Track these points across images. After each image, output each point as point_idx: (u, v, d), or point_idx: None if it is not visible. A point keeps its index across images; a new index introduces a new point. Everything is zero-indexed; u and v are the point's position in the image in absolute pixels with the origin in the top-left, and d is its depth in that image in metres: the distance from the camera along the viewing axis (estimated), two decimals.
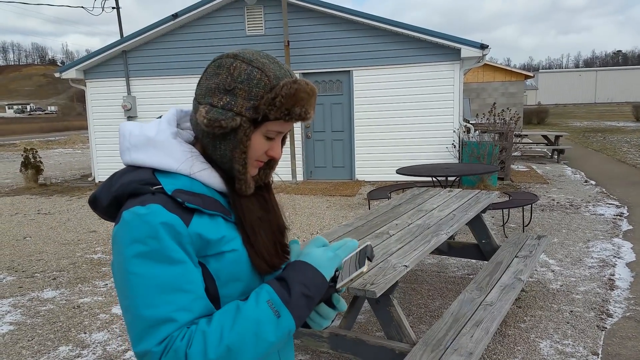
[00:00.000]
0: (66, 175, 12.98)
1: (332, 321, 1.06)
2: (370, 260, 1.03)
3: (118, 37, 12.58)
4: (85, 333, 3.77)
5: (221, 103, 0.96)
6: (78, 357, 3.41)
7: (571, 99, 60.92)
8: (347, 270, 1.01)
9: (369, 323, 3.76)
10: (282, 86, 0.95)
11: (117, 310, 4.18)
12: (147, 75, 11.09)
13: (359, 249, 1.03)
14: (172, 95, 10.89)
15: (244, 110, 0.96)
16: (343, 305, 1.02)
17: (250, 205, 1.04)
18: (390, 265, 2.71)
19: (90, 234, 6.79)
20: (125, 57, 11.10)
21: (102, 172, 11.56)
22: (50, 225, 7.36)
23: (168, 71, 10.93)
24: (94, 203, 1.03)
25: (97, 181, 11.60)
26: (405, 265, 2.71)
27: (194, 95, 1.03)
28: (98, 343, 3.60)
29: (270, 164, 1.09)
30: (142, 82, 11.16)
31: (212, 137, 0.99)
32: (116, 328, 3.83)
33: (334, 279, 1.01)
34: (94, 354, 3.45)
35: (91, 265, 5.41)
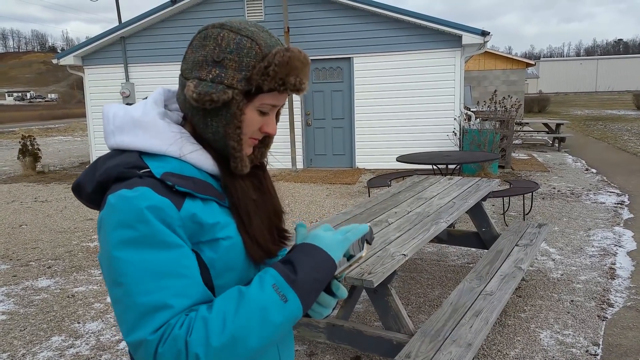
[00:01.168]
0: (65, 163, 12.91)
1: (333, 309, 1.00)
2: (369, 243, 0.98)
3: (117, 24, 12.41)
4: (79, 323, 3.72)
5: (210, 76, 0.89)
6: (71, 347, 3.37)
7: (572, 87, 60.56)
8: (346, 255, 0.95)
9: (367, 313, 3.71)
10: (274, 54, 0.88)
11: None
12: (146, 62, 10.97)
13: None
14: (170, 81, 10.77)
15: (235, 82, 0.89)
16: (343, 292, 0.96)
17: (245, 187, 0.97)
18: (389, 254, 2.65)
19: (87, 222, 6.74)
20: (123, 44, 10.98)
21: None
22: (47, 213, 7.31)
23: (167, 57, 10.80)
24: (77, 190, 0.96)
25: None
26: (404, 254, 2.65)
27: (179, 72, 0.95)
28: (92, 333, 3.56)
29: (265, 141, 1.01)
30: (140, 69, 11.05)
31: (202, 114, 0.91)
32: (110, 318, 3.79)
33: None
34: (87, 344, 3.41)
35: (87, 253, 5.36)
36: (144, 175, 0.86)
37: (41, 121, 34.93)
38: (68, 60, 11.18)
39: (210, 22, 0.94)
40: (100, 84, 11.32)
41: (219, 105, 0.89)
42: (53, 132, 24.47)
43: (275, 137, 10.96)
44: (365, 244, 0.97)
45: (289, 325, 0.83)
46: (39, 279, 4.65)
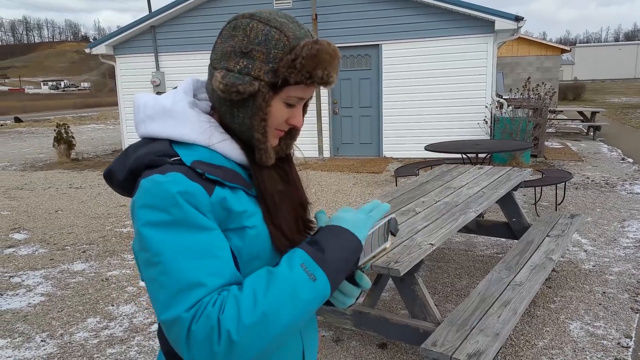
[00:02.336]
0: (98, 151, 13.24)
1: (357, 299, 1.01)
2: (394, 234, 0.97)
3: (148, 13, 12.55)
4: (112, 305, 3.84)
5: (238, 67, 0.90)
6: (105, 328, 3.49)
7: (610, 74, 58.53)
8: (370, 246, 0.95)
9: (394, 301, 3.72)
10: (302, 47, 0.88)
11: (144, 283, 4.24)
12: (176, 51, 11.10)
13: (382, 223, 0.97)
14: (200, 70, 10.88)
15: (262, 74, 0.89)
16: (367, 282, 0.97)
17: (271, 177, 0.98)
18: (416, 244, 2.64)
19: (120, 208, 6.92)
20: (153, 33, 11.13)
21: None
22: (81, 199, 7.53)
23: (196, 46, 10.91)
24: (109, 177, 0.98)
25: None
26: (431, 244, 2.64)
27: (209, 61, 0.97)
28: (125, 315, 3.67)
29: (292, 133, 1.02)
30: (170, 58, 11.19)
31: (229, 105, 0.93)
32: (143, 301, 3.90)
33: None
34: (120, 325, 3.52)
35: (120, 238, 5.52)
36: (175, 163, 0.88)
37: (75, 110, 35.86)
38: (100, 49, 11.41)
39: (239, 11, 0.95)
40: (132, 73, 11.52)
41: (245, 96, 0.90)
42: (86, 121, 25.11)
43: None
44: (389, 235, 0.97)
45: (318, 304, 0.84)
46: (75, 262, 4.81)
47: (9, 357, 3.13)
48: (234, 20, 0.93)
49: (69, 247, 5.27)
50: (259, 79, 0.89)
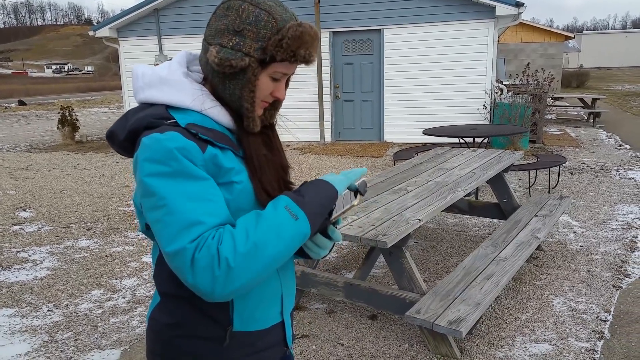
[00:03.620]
0: (102, 134, 13.37)
1: (330, 251, 1.14)
2: (362, 194, 1.11)
3: None
4: (116, 279, 4.00)
5: (230, 43, 1.02)
6: (109, 300, 3.65)
7: (617, 61, 58.05)
8: (342, 203, 1.08)
9: (385, 277, 3.86)
10: (288, 28, 1.01)
11: (147, 259, 4.41)
12: (179, 34, 11.16)
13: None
14: None
15: (252, 51, 1.02)
16: (338, 235, 1.10)
17: (257, 142, 1.11)
18: (404, 219, 2.77)
19: (124, 188, 7.07)
20: (157, 16, 11.18)
21: None
22: (85, 180, 7.68)
23: (199, 30, 10.96)
24: (111, 137, 1.11)
25: None
26: (419, 219, 2.76)
27: (203, 37, 1.09)
28: (128, 288, 3.83)
29: (275, 104, 1.15)
30: (173, 41, 11.25)
31: (221, 77, 1.05)
32: (145, 275, 4.06)
33: (329, 213, 1.09)
34: (123, 297, 3.68)
35: (124, 217, 5.67)
36: (171, 125, 1.01)
37: (78, 93, 35.94)
38: (104, 32, 11.46)
39: None
40: (135, 56, 11.59)
41: (236, 70, 1.03)
42: (90, 104, 25.22)
43: (304, 110, 10.96)
44: (358, 195, 1.10)
45: (299, 242, 0.98)
46: (79, 239, 4.97)
47: (16, 324, 3.30)
48: (227, 1, 1.05)
49: (73, 225, 5.43)
50: (249, 55, 1.02)
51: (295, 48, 1.02)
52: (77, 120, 11.64)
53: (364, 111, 10.52)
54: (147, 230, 1.11)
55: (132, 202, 6.29)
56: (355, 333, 3.06)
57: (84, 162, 9.27)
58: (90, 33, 11.80)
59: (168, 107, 1.05)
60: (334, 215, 1.08)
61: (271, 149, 1.16)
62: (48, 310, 3.48)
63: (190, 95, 1.06)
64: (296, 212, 0.97)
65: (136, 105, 1.12)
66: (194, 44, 11.05)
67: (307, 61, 1.05)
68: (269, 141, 1.16)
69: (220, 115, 1.08)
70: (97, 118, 18.01)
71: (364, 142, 10.41)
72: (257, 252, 0.92)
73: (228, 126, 1.09)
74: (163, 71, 1.08)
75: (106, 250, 4.65)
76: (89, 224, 5.46)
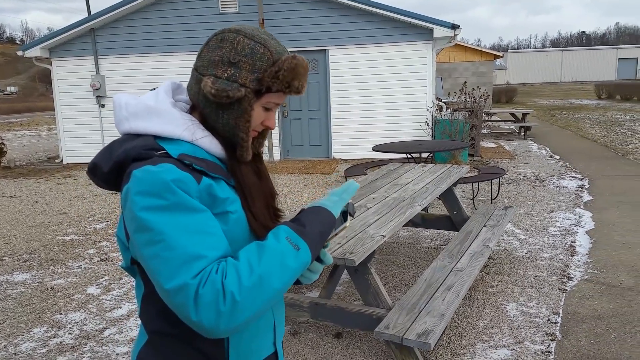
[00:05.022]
0: (31, 158, 12.67)
1: (320, 275, 1.17)
2: (352, 216, 1.14)
3: (83, 14, 12.12)
4: (60, 314, 3.75)
5: (226, 75, 1.03)
6: (54, 337, 3.40)
7: (539, 78, 62.04)
8: (334, 227, 1.12)
9: (347, 293, 3.91)
10: (284, 60, 1.04)
11: (93, 290, 4.17)
12: (117, 54, 10.85)
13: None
14: (143, 73, 10.71)
15: (248, 82, 1.04)
16: (329, 258, 1.12)
17: (249, 171, 1.12)
18: (368, 236, 2.84)
19: (61, 215, 6.72)
20: (93, 35, 10.83)
21: (71, 153, 11.33)
22: (17, 208, 7.23)
23: (138, 49, 10.71)
24: (93, 170, 1.07)
25: (64, 162, 11.37)
26: (383, 235, 2.85)
27: (193, 67, 1.09)
28: (75, 323, 3.60)
29: (264, 133, 1.17)
30: (111, 61, 10.92)
31: (215, 107, 1.05)
32: (93, 308, 3.83)
33: None
34: (70, 333, 3.45)
35: (63, 247, 5.37)
36: (162, 156, 1.00)
37: (1, 115, 33.82)
38: (34, 52, 10.92)
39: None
40: (70, 77, 11.13)
41: (232, 100, 1.04)
42: (16, 127, 23.77)
43: None
44: (348, 216, 1.14)
45: (300, 271, 0.99)
46: (14, 273, 4.63)
47: None
48: (221, 34, 1.07)
49: (7, 258, 5.07)
50: (245, 86, 1.04)
51: (290, 79, 1.05)
52: (4, 144, 10.98)
53: (312, 129, 10.65)
54: (131, 266, 1.07)
55: (71, 230, 6.02)
56: (322, 353, 3.07)
57: (13, 189, 8.73)
58: (19, 53, 11.21)
59: (156, 137, 1.04)
60: (328, 238, 1.10)
61: (260, 177, 1.17)
62: None
63: (181, 125, 1.05)
64: (297, 242, 0.98)
65: (117, 135, 1.10)
66: (133, 64, 10.81)
67: (299, 92, 1.08)
68: (257, 170, 1.17)
69: (212, 145, 1.07)
70: (24, 141, 17.03)
71: (313, 159, 10.51)
72: (263, 285, 0.92)
73: (219, 156, 1.09)
74: (150, 101, 1.07)
75: (46, 283, 4.36)
76: (24, 255, 5.12)
